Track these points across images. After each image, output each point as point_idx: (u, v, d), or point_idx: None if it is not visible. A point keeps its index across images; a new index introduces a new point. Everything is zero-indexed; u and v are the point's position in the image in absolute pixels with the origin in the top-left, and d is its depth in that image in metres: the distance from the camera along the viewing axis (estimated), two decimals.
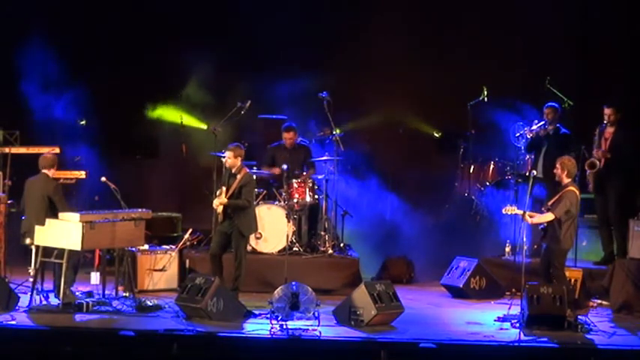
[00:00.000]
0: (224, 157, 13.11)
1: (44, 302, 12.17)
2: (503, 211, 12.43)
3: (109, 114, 15.64)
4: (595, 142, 13.98)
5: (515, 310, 12.18)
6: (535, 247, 14.32)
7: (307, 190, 14.22)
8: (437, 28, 15.92)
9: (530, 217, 12.25)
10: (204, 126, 15.80)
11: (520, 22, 15.60)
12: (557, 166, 12.36)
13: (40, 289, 12.30)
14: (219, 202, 12.72)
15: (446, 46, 15.90)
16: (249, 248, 13.55)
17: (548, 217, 12.17)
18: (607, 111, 13.87)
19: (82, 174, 14.95)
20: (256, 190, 13.87)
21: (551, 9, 15.47)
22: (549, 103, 14.26)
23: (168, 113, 16.02)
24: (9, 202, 13.47)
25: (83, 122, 15.71)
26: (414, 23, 15.95)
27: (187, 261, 13.79)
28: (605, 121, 13.90)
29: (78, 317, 11.79)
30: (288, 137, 14.62)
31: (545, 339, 11.38)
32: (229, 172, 12.87)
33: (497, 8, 15.55)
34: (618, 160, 13.77)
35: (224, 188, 12.76)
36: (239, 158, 12.80)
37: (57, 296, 12.21)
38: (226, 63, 15.72)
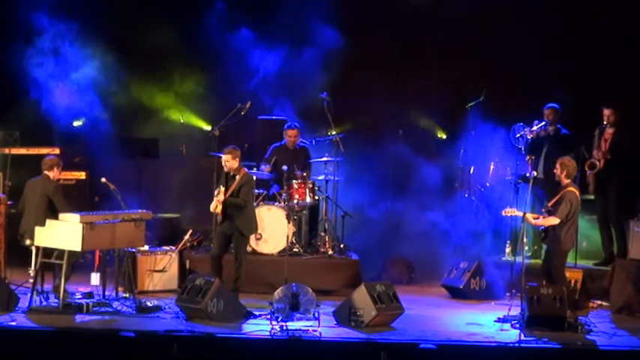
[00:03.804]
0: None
1: (44, 303, 12.17)
2: (503, 213, 12.44)
3: (109, 114, 15.67)
4: (595, 142, 13.99)
5: (516, 310, 12.18)
6: (535, 247, 14.33)
7: (307, 191, 14.21)
8: (437, 28, 15.91)
9: (535, 219, 12.26)
10: (207, 126, 15.81)
11: (520, 22, 15.59)
12: (557, 166, 12.41)
13: (40, 290, 12.31)
14: (216, 202, 12.73)
15: (446, 46, 15.89)
16: (249, 249, 13.56)
17: (554, 221, 12.16)
18: (606, 112, 13.90)
19: (81, 175, 14.98)
20: (256, 191, 13.90)
21: (551, 9, 15.45)
22: (550, 104, 14.27)
23: (170, 112, 16.06)
24: (9, 202, 13.47)
25: (80, 122, 15.72)
26: (415, 23, 15.94)
27: (187, 262, 13.79)
28: (604, 122, 13.92)
29: (78, 318, 11.80)
30: (292, 135, 14.61)
31: (546, 340, 11.37)
32: (228, 173, 12.88)
33: (497, 8, 15.54)
34: (618, 160, 13.78)
35: (222, 188, 12.76)
36: (237, 159, 12.82)
37: (55, 296, 12.21)
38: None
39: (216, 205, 12.77)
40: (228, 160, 12.80)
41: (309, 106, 15.32)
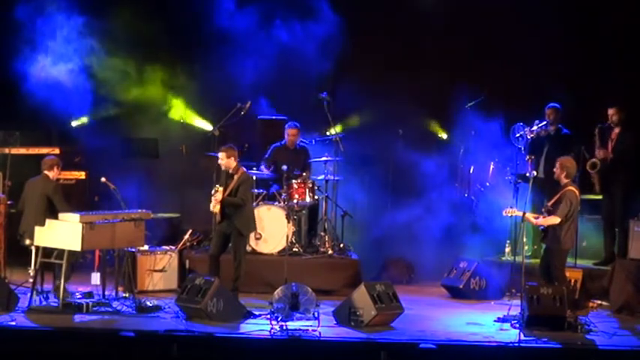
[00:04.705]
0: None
1: (44, 303, 12.17)
2: (504, 213, 12.44)
3: (110, 114, 15.67)
4: (595, 142, 13.98)
5: (515, 310, 12.18)
6: (535, 247, 14.33)
7: (307, 190, 14.22)
8: (437, 28, 15.91)
9: (535, 218, 12.26)
10: (208, 125, 15.82)
11: (520, 22, 15.58)
12: (557, 166, 12.41)
13: (40, 290, 12.31)
14: (214, 201, 12.72)
15: (447, 46, 15.89)
16: (249, 249, 13.56)
17: (555, 220, 12.16)
18: (610, 111, 13.89)
19: (81, 175, 14.97)
20: (256, 190, 13.89)
21: (551, 9, 15.46)
22: (551, 104, 14.25)
23: (171, 112, 16.07)
24: (9, 202, 13.47)
25: (78, 123, 15.71)
26: (415, 23, 15.94)
27: (187, 261, 13.79)
28: (608, 122, 13.91)
29: (78, 318, 11.79)
30: (292, 134, 14.62)
31: (545, 340, 11.37)
32: (227, 172, 12.88)
33: (497, 8, 15.54)
34: (623, 160, 13.77)
35: (219, 187, 12.75)
36: (232, 158, 12.82)
37: (55, 295, 12.21)
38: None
39: (214, 205, 12.78)
40: (223, 159, 12.80)
41: (309, 106, 15.31)
